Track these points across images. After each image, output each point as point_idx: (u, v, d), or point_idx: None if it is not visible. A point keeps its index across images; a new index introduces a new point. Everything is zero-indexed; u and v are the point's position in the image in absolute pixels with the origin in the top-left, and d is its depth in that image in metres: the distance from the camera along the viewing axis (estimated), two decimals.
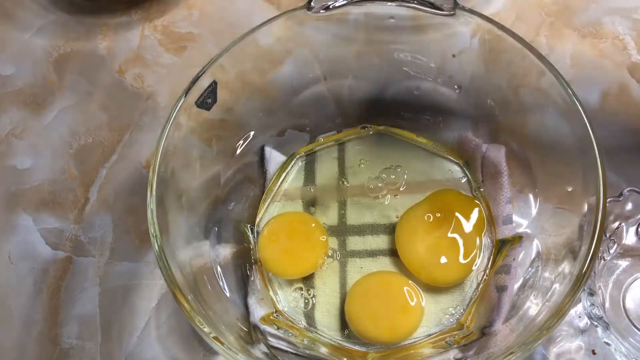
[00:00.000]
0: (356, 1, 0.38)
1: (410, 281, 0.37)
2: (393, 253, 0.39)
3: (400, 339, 0.36)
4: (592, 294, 0.35)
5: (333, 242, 0.40)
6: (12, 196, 0.45)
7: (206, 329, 0.30)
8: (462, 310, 0.37)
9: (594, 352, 0.36)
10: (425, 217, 0.38)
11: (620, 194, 0.37)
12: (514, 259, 0.37)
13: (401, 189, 0.41)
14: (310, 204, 0.41)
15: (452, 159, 0.42)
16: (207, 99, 0.37)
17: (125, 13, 0.53)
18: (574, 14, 0.51)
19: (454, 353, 0.35)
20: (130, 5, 0.53)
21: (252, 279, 0.39)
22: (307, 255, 0.39)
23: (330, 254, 0.39)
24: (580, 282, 0.29)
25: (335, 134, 0.44)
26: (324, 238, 0.39)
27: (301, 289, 0.39)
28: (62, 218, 0.44)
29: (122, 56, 0.51)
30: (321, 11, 0.38)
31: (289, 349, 0.36)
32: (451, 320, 0.37)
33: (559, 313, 0.29)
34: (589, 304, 0.35)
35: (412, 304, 0.36)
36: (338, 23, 0.40)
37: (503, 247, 0.38)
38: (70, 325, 0.40)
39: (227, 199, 0.40)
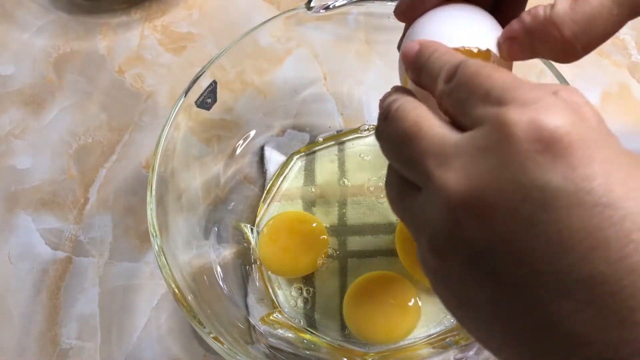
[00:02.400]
0: (356, 1, 0.38)
1: (408, 282, 0.37)
2: (393, 253, 0.39)
3: (397, 340, 0.36)
4: None
5: (333, 242, 0.40)
6: (11, 196, 0.45)
7: (206, 329, 0.30)
8: None
9: None
10: None
11: None
12: None
13: None
14: (310, 204, 0.41)
15: None
16: (207, 99, 0.37)
17: (125, 13, 0.53)
18: None
19: (454, 353, 0.35)
20: (130, 5, 0.53)
21: (251, 279, 0.39)
22: (307, 255, 0.39)
23: (330, 254, 0.39)
24: None
25: (335, 134, 0.44)
26: (324, 237, 0.39)
27: (301, 289, 0.39)
28: (62, 218, 0.44)
29: (122, 56, 0.51)
30: (321, 11, 0.38)
31: (289, 349, 0.36)
32: (451, 320, 0.37)
33: None
34: None
35: (410, 304, 0.36)
36: (338, 23, 0.40)
37: None
38: (70, 325, 0.40)
39: (227, 199, 0.40)
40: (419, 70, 0.23)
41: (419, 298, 0.37)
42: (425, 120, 0.20)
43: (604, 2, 0.21)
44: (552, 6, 0.22)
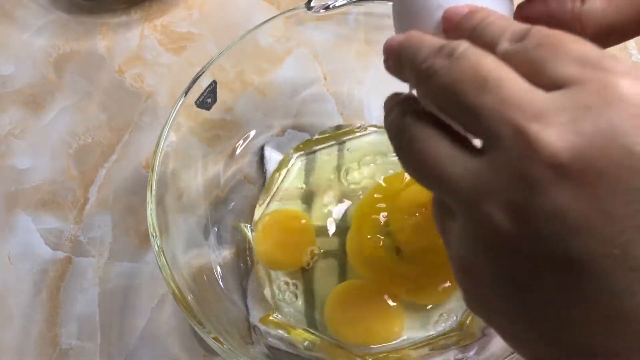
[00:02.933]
0: (356, 1, 0.38)
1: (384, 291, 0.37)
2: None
3: (377, 344, 0.36)
4: None
5: (333, 242, 0.40)
6: (11, 196, 0.45)
7: (206, 329, 0.30)
8: (462, 311, 0.37)
9: None
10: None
11: None
12: None
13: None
14: (310, 203, 0.41)
15: None
16: (207, 99, 0.37)
17: (125, 13, 0.53)
18: None
19: (454, 353, 0.35)
20: (130, 5, 0.53)
21: (251, 279, 0.39)
22: (295, 247, 0.39)
23: (317, 252, 0.39)
24: None
25: (334, 133, 0.44)
26: (310, 232, 0.39)
27: (300, 288, 0.39)
28: (62, 218, 0.44)
29: (121, 56, 0.51)
30: (321, 11, 0.38)
31: (289, 350, 0.36)
32: (451, 320, 0.37)
33: None
34: None
35: (389, 312, 0.36)
36: (338, 23, 0.40)
37: None
38: (70, 326, 0.40)
39: (227, 199, 0.40)
40: (469, 31, 0.21)
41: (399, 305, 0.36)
42: (505, 67, 0.18)
43: (632, 15, 0.21)
44: (583, 1, 0.22)
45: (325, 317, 0.37)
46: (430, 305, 0.37)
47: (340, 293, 0.37)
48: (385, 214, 0.38)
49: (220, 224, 0.39)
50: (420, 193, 0.37)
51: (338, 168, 0.42)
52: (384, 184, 0.40)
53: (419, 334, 0.37)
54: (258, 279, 0.39)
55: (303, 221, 0.40)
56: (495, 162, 0.18)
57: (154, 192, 0.33)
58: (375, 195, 0.39)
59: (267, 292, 0.38)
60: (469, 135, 0.20)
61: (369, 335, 0.36)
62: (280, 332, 0.36)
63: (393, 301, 0.36)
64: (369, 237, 0.37)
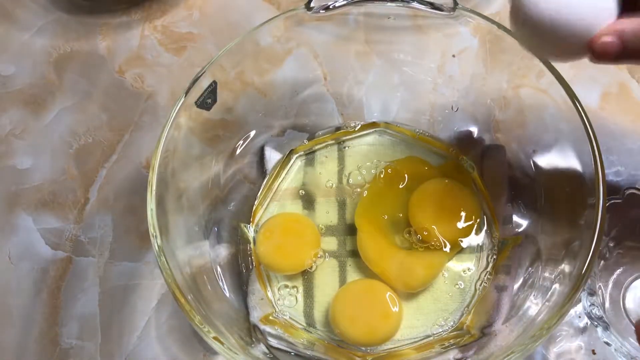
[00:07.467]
0: (356, 1, 0.38)
1: (390, 289, 0.37)
2: None
3: (378, 344, 0.36)
4: (592, 294, 0.35)
5: (332, 242, 0.40)
6: (12, 196, 0.45)
7: (206, 329, 0.30)
8: (462, 311, 0.37)
9: (594, 352, 0.36)
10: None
11: (621, 194, 0.37)
12: (514, 259, 0.37)
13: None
14: (310, 203, 0.41)
15: (452, 157, 0.42)
16: (207, 99, 0.37)
17: (125, 13, 0.53)
18: None
19: (453, 353, 0.35)
20: (130, 5, 0.53)
21: (251, 279, 0.39)
22: (299, 251, 0.39)
23: (320, 255, 0.39)
24: (580, 282, 0.29)
25: (334, 133, 0.44)
26: (316, 237, 0.39)
27: (299, 289, 0.39)
28: (62, 218, 0.44)
29: (122, 56, 0.51)
30: (321, 11, 0.38)
31: (289, 349, 0.36)
32: (451, 321, 0.37)
33: (559, 313, 0.29)
34: (589, 304, 0.35)
35: (389, 312, 0.36)
36: (338, 23, 0.40)
37: (503, 247, 0.38)
38: (70, 325, 0.40)
39: (227, 199, 0.40)
40: None
41: (398, 305, 0.36)
42: None
43: None
44: None
45: (331, 317, 0.37)
46: (431, 307, 0.37)
47: (346, 293, 0.37)
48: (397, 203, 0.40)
49: (220, 224, 0.39)
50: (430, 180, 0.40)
51: (338, 168, 0.42)
52: (389, 173, 0.41)
53: (419, 334, 0.37)
54: (258, 279, 0.39)
55: (306, 225, 0.40)
56: None
57: (154, 192, 0.33)
58: (383, 185, 0.41)
59: (267, 292, 0.38)
60: None
61: (374, 334, 0.36)
62: (280, 331, 0.36)
63: (396, 297, 0.36)
64: (381, 228, 0.39)
